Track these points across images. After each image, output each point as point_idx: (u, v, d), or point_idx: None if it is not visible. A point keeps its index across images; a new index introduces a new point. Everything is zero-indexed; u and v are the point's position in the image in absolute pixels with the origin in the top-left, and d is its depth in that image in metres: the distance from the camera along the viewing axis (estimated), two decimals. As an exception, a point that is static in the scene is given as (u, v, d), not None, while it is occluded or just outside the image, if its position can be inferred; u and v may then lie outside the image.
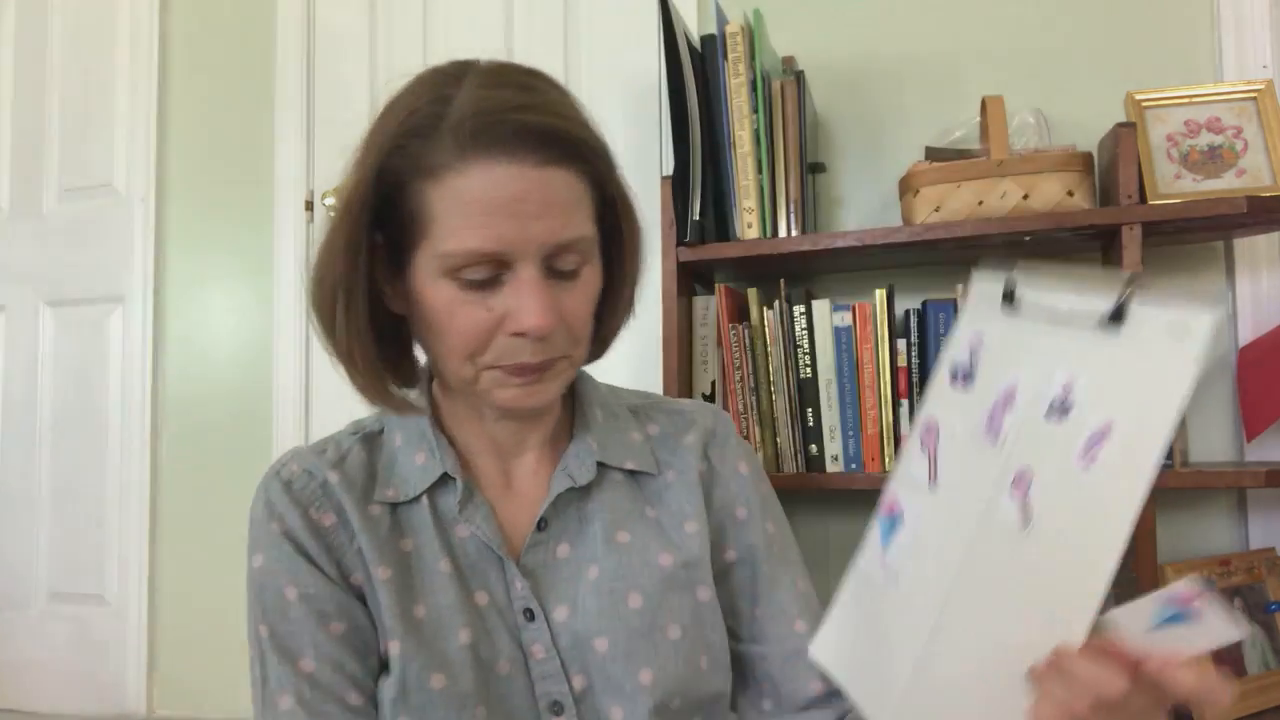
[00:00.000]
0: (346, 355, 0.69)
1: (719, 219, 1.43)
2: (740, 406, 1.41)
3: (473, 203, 0.62)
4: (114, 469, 2.12)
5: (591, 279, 0.70)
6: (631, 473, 0.78)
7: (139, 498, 2.08)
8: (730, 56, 1.40)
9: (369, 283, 0.68)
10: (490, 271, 0.64)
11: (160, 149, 2.12)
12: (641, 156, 1.73)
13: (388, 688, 0.70)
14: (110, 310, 2.15)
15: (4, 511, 2.22)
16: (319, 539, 0.71)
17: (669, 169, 1.42)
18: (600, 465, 0.76)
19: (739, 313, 1.43)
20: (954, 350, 0.61)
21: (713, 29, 1.42)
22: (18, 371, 2.23)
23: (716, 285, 1.43)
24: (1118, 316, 0.52)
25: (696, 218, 1.40)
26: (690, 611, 0.74)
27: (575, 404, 0.80)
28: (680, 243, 1.42)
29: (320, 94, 2.02)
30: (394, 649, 0.69)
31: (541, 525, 0.74)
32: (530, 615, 0.71)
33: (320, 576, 0.71)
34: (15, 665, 2.17)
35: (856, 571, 0.64)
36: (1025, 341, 0.57)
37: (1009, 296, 0.58)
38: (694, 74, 1.41)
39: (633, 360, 1.59)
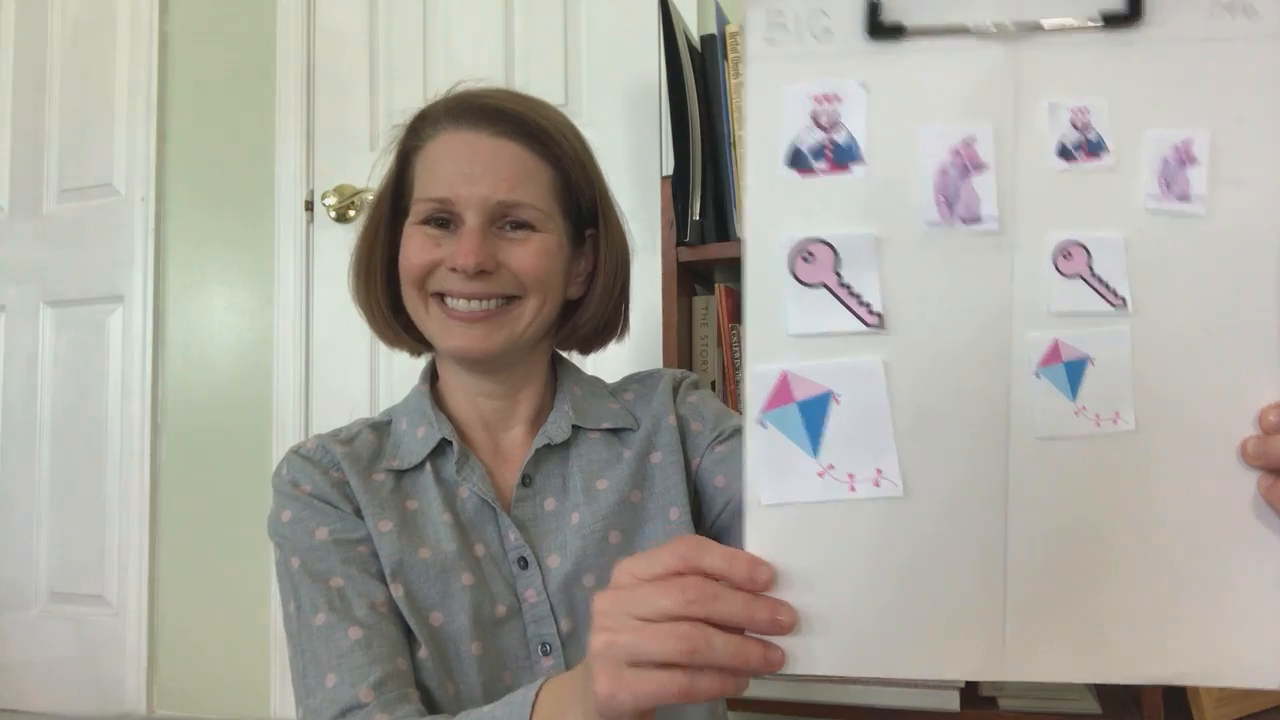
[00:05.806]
0: (365, 303, 0.84)
1: (719, 219, 1.43)
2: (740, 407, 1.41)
3: (438, 159, 0.78)
4: (114, 469, 2.11)
5: (546, 244, 0.79)
6: (610, 431, 0.86)
7: (139, 498, 2.08)
8: (730, 56, 1.40)
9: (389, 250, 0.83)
10: (445, 217, 0.78)
11: (160, 149, 2.12)
12: (641, 156, 1.73)
13: None
14: (110, 310, 2.15)
15: (4, 511, 2.21)
16: (339, 489, 0.79)
17: (669, 169, 1.42)
18: (576, 428, 0.84)
19: (739, 313, 1.43)
20: (1055, 131, 0.49)
21: (713, 29, 1.42)
22: (17, 371, 2.23)
23: (716, 285, 1.43)
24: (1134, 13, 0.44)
25: (696, 218, 1.40)
26: (665, 536, 0.81)
27: (556, 385, 0.89)
28: (680, 243, 1.42)
29: (320, 94, 2.02)
30: (397, 591, 0.75)
31: (526, 481, 0.82)
32: (524, 563, 0.79)
33: (344, 516, 0.78)
34: (15, 665, 2.17)
35: None
36: (1152, 92, 0.47)
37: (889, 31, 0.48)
38: (694, 74, 1.41)
39: (633, 360, 1.59)
